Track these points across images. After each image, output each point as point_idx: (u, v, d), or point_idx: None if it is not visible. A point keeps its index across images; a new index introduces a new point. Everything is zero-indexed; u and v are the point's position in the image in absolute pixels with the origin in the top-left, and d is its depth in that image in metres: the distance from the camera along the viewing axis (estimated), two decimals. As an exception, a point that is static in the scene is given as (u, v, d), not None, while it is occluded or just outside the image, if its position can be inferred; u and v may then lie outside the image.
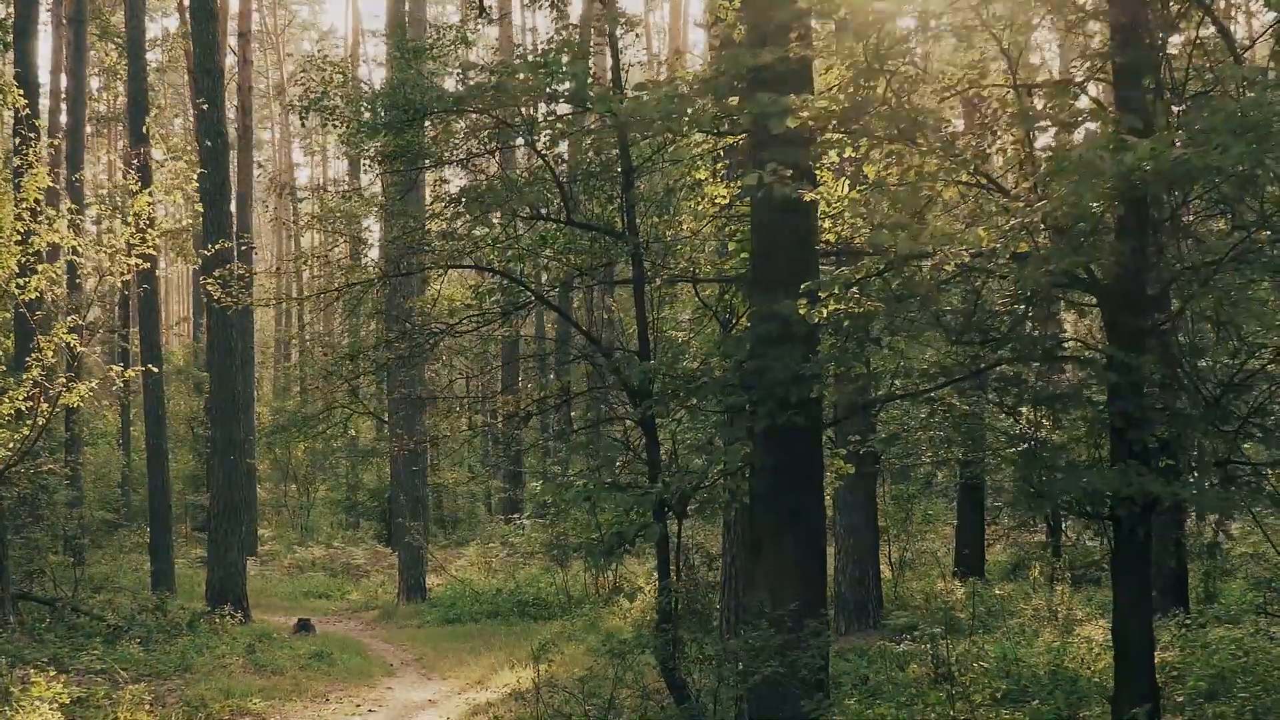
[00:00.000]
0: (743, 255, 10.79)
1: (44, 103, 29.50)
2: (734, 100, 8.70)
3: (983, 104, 9.43)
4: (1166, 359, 8.79)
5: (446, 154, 10.67)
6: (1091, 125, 9.20)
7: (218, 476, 19.78)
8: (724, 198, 10.56)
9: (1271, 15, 10.22)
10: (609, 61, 10.80)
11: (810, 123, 7.93)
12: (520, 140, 10.86)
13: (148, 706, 12.00)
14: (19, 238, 12.55)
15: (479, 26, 15.11)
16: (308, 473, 38.86)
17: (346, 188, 22.36)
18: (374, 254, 23.79)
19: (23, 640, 15.25)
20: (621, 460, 10.79)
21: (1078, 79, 9.30)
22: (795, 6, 8.49)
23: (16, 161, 13.64)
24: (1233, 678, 11.23)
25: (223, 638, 16.61)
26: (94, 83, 38.37)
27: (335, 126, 10.67)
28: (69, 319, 13.20)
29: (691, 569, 13.15)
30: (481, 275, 12.87)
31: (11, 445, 13.60)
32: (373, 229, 20.22)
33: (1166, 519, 12.92)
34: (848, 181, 9.89)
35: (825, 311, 8.22)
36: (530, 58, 10.01)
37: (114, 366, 14.59)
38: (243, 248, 23.18)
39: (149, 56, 34.23)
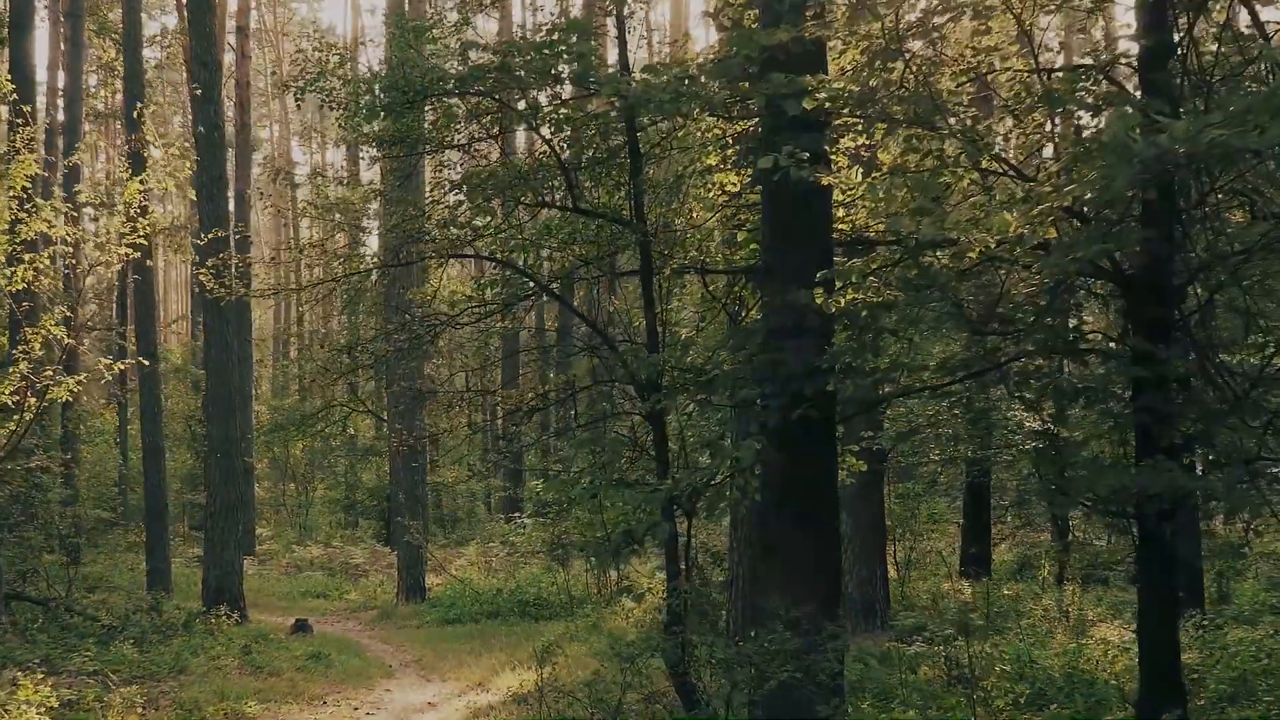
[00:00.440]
0: (752, 246, 10.49)
1: (41, 101, 29.33)
2: (745, 86, 8.37)
3: (1002, 89, 9.14)
4: (1193, 352, 8.48)
5: (447, 138, 10.32)
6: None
7: (214, 474, 19.52)
8: (734, 185, 10.24)
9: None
10: (614, 50, 10.50)
11: (827, 104, 7.62)
12: (522, 128, 10.52)
13: (140, 709, 11.75)
14: (5, 226, 12.22)
15: (481, 4, 14.70)
16: (306, 471, 38.67)
17: (345, 174, 22.05)
18: (373, 243, 23.52)
19: (14, 641, 14.98)
20: (628, 456, 10.46)
21: (1101, 63, 9.02)
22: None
23: (2, 148, 13.33)
24: (1255, 681, 10.99)
25: (218, 638, 16.34)
26: (92, 80, 38.10)
27: (333, 109, 10.33)
28: (57, 310, 12.88)
29: (698, 569, 12.83)
30: (482, 267, 12.57)
31: (-1, 440, 13.31)
32: (372, 219, 19.86)
33: (1184, 517, 12.64)
34: (860, 171, 9.59)
35: (843, 301, 7.91)
36: (535, 39, 9.67)
37: (104, 360, 14.24)
38: (238, 236, 22.80)
39: (147, 54, 34.02)
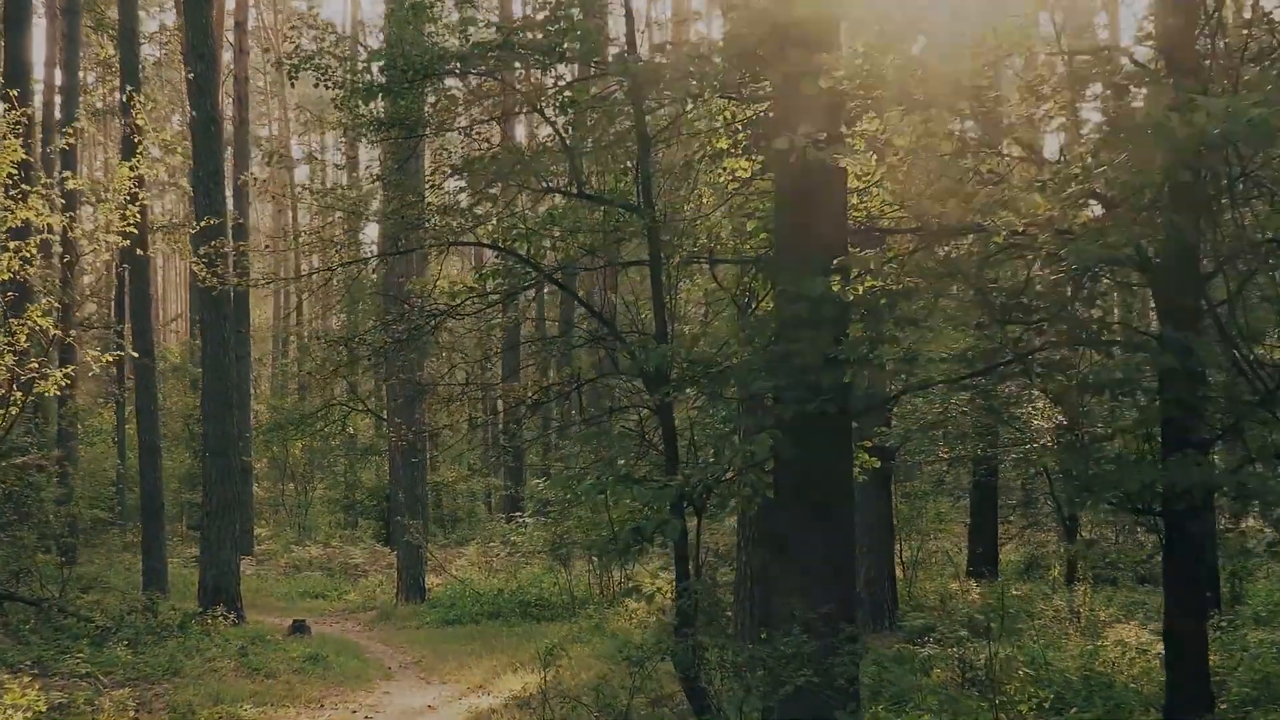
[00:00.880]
0: (762, 235, 10.17)
1: (38, 99, 29.01)
2: (761, 51, 8.03)
3: (1024, 72, 8.83)
4: (1223, 342, 8.17)
5: (448, 120, 9.97)
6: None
7: (210, 473, 19.19)
8: (745, 171, 9.91)
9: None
10: (621, 29, 10.16)
11: (844, 83, 7.29)
12: (525, 111, 10.17)
13: (132, 713, 11.46)
14: (-11, 212, 11.90)
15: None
16: (305, 471, 38.39)
17: (343, 158, 21.71)
18: (371, 231, 23.15)
19: (5, 642, 14.69)
20: (634, 451, 10.11)
21: (1124, 45, 8.73)
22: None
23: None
24: (1279, 683, 10.68)
25: (214, 639, 16.03)
26: (91, 78, 37.82)
27: (328, 88, 10.00)
28: (45, 301, 12.53)
29: (709, 569, 12.51)
30: (483, 258, 12.25)
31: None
32: (372, 216, 19.55)
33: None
34: (875, 157, 9.27)
35: (860, 289, 7.58)
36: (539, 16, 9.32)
37: (91, 352, 13.88)
38: (238, 220, 22.43)
39: (145, 50, 33.70)
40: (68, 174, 13.85)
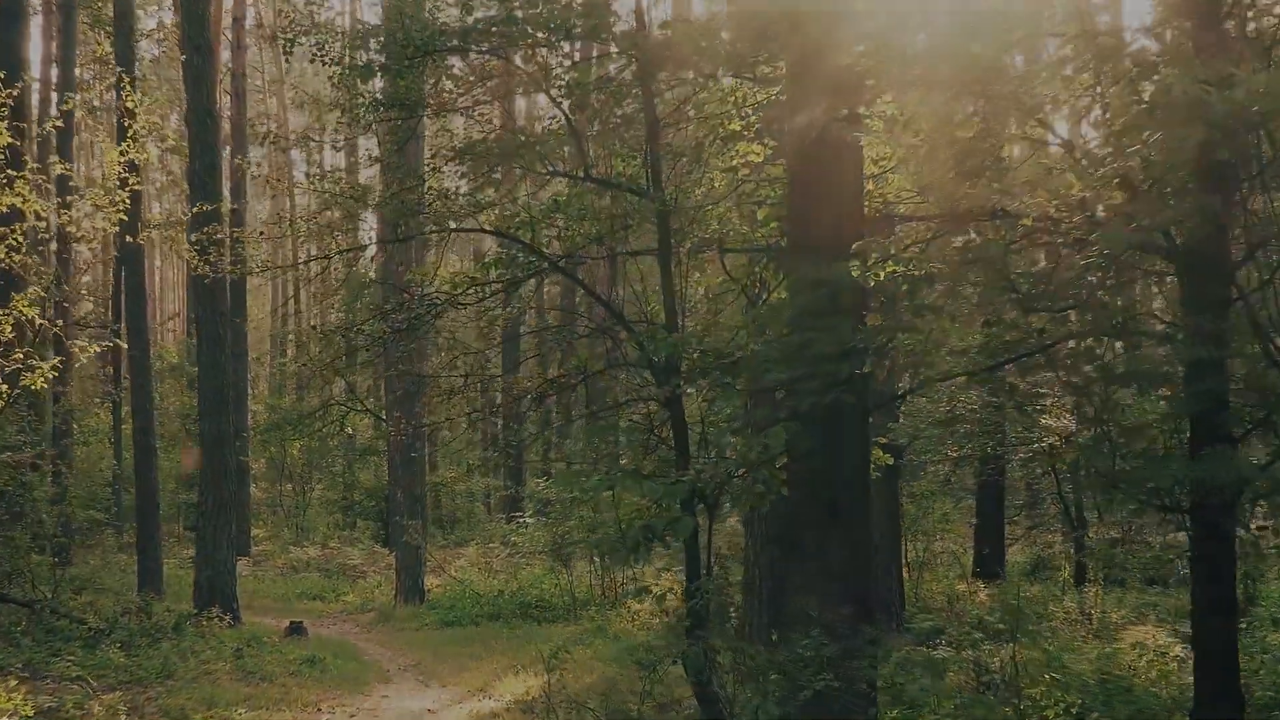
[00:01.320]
0: (773, 224, 9.87)
1: (35, 97, 28.68)
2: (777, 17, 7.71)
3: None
4: (1254, 332, 7.86)
5: (449, 100, 9.65)
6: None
7: (206, 472, 18.86)
8: (757, 155, 9.59)
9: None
10: (627, 10, 9.78)
11: (863, 60, 6.99)
12: (529, 92, 9.86)
13: (123, 717, 11.15)
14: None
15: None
16: (303, 471, 38.05)
17: (340, 141, 21.34)
18: (370, 220, 22.79)
19: (-4, 644, 14.36)
20: (643, 446, 9.79)
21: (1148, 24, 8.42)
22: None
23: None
24: (1303, 687, 10.40)
25: (209, 641, 15.70)
26: (88, 76, 37.55)
27: (325, 64, 9.68)
28: (31, 291, 12.18)
29: (721, 569, 12.19)
30: (483, 249, 11.91)
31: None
32: (370, 213, 19.23)
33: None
34: (894, 138, 8.96)
35: (881, 275, 7.27)
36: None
37: (79, 342, 13.54)
38: (234, 207, 22.06)
39: (143, 47, 33.40)
40: (55, 159, 13.48)
